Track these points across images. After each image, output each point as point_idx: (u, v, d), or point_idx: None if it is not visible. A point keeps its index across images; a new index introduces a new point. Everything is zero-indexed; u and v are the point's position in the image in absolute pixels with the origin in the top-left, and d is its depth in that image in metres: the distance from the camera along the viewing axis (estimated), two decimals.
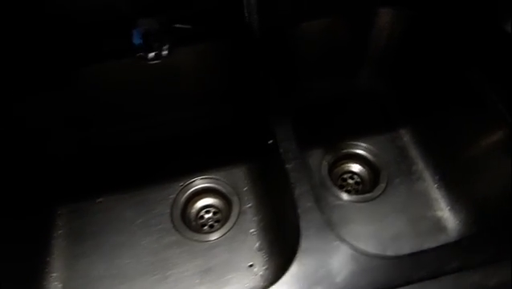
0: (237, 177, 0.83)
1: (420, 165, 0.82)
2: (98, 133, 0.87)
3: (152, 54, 0.56)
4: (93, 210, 0.81)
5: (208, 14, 0.72)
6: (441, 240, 0.74)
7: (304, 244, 0.56)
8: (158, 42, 0.56)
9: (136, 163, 0.86)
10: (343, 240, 0.57)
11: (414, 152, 0.83)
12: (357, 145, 0.85)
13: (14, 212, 0.73)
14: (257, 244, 0.76)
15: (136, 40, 0.54)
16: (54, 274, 0.75)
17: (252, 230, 0.77)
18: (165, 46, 0.57)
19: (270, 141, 0.68)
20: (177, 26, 0.70)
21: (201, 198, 0.83)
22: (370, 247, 0.73)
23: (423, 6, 0.78)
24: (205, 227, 0.81)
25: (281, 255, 0.70)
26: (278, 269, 0.70)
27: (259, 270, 0.73)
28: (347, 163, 0.85)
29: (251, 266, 0.74)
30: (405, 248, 0.74)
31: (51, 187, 0.82)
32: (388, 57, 0.86)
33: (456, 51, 0.73)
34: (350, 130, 0.87)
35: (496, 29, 0.69)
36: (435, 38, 0.76)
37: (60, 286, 0.74)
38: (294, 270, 0.55)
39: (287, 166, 0.63)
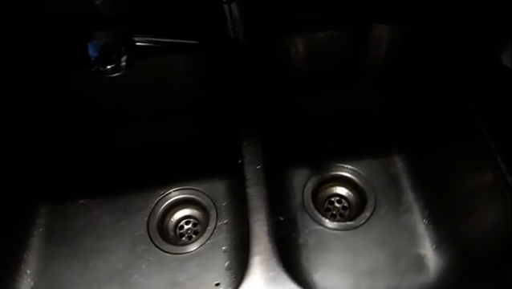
0: (218, 191, 0.81)
1: (411, 197, 0.76)
2: (84, 137, 0.88)
3: (109, 67, 0.55)
4: (74, 212, 0.82)
5: (191, 25, 0.70)
6: (420, 281, 0.69)
7: (250, 278, 0.54)
8: (116, 55, 0.54)
9: (120, 168, 0.86)
10: (294, 277, 0.54)
11: (405, 182, 0.78)
12: (346, 168, 0.81)
13: None
14: (227, 263, 0.74)
15: (92, 53, 0.53)
16: (28, 272, 0.77)
17: (224, 248, 0.75)
18: (123, 58, 0.55)
19: (239, 161, 0.66)
20: (179, 41, 0.69)
21: (180, 209, 0.82)
22: (342, 281, 0.70)
23: (420, 24, 0.73)
24: (184, 238, 0.80)
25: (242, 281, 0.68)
26: None
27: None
28: (334, 186, 0.81)
29: (217, 284, 0.72)
30: (380, 286, 0.69)
31: (36, 185, 0.84)
32: (384, 76, 0.81)
33: (451, 78, 0.68)
34: (340, 151, 0.82)
35: (492, 59, 0.62)
36: (431, 61, 0.71)
37: (32, 283, 0.76)
38: None
39: (248, 191, 0.60)
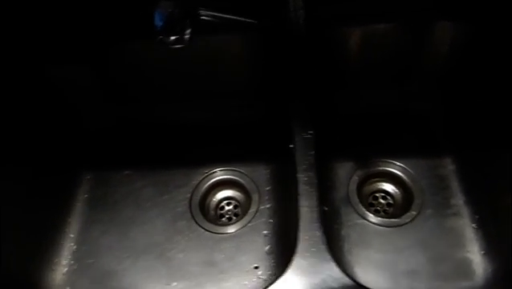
0: (262, 175, 0.81)
1: (461, 200, 0.74)
2: (132, 109, 0.88)
3: (172, 38, 0.54)
4: (118, 181, 0.83)
5: (253, 4, 0.69)
6: (463, 286, 0.67)
7: (296, 262, 0.53)
8: (180, 27, 0.54)
9: (166, 143, 0.87)
10: (341, 266, 0.53)
11: (456, 185, 0.76)
12: (394, 164, 0.79)
13: (46, 170, 0.77)
14: (267, 247, 0.74)
15: (158, 22, 0.53)
16: (72, 236, 0.78)
17: (265, 232, 0.75)
18: (187, 31, 0.55)
19: (291, 146, 0.65)
20: (241, 19, 0.68)
21: (223, 189, 0.82)
22: (381, 277, 0.69)
23: (486, 23, 0.70)
24: (223, 219, 0.80)
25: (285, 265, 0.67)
26: None
27: (263, 273, 0.71)
28: (380, 182, 0.79)
29: (256, 268, 0.72)
30: (420, 287, 0.67)
31: (83, 152, 0.86)
32: (441, 75, 0.78)
33: None
34: (389, 147, 0.80)
35: None
36: (494, 63, 0.68)
37: (74, 247, 0.77)
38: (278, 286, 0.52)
39: (299, 176, 0.59)
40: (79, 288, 0.74)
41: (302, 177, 0.59)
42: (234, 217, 0.79)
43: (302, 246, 0.54)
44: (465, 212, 0.73)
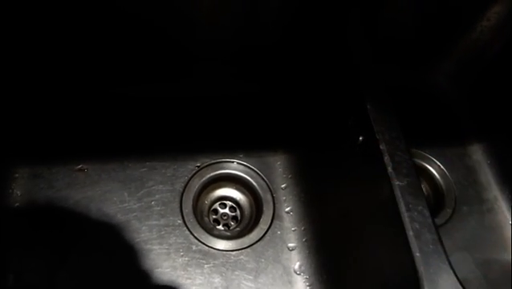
0: (274, 169, 0.63)
1: (493, 193, 0.67)
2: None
3: None
4: (69, 180, 0.57)
5: None
6: None
7: None
8: None
9: (141, 124, 0.62)
10: None
11: (486, 176, 0.69)
12: (421, 156, 0.69)
13: None
14: (296, 264, 0.57)
15: None
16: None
17: (291, 245, 0.58)
18: None
19: (361, 138, 0.49)
20: None
21: (220, 188, 0.62)
22: None
23: None
24: (219, 226, 0.61)
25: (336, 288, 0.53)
26: None
27: None
28: None
29: None
30: None
31: (10, 137, 0.56)
32: (483, 58, 0.69)
33: None
34: (410, 134, 0.70)
35: None
36: None
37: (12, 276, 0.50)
38: None
39: (398, 183, 0.44)
40: None
41: (402, 185, 0.44)
42: (237, 224, 0.61)
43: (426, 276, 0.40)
44: (501, 206, 0.66)
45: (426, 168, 0.68)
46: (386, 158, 0.46)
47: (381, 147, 0.46)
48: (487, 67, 0.69)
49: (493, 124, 0.70)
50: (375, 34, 0.62)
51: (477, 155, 0.71)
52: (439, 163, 0.69)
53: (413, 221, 0.42)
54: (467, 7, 0.64)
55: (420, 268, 0.40)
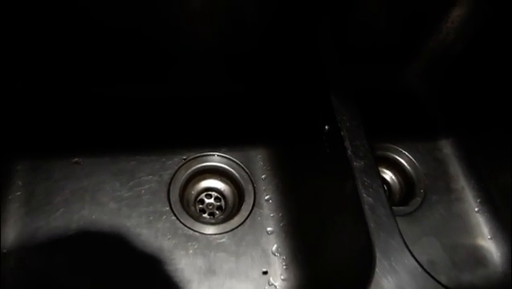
0: (255, 162, 0.68)
1: (461, 184, 0.72)
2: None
3: None
4: (66, 172, 0.63)
5: None
6: (480, 274, 0.65)
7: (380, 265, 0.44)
8: None
9: (131, 121, 0.68)
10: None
11: (454, 168, 0.74)
12: (393, 149, 0.74)
13: None
14: (274, 246, 0.62)
15: None
16: (5, 251, 0.56)
17: (269, 229, 0.63)
18: None
19: (327, 127, 0.55)
20: None
21: (207, 179, 0.68)
22: None
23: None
24: (205, 215, 0.66)
25: (311, 266, 0.57)
26: (303, 282, 0.58)
27: (275, 279, 0.60)
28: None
29: (265, 273, 0.60)
30: (441, 279, 0.63)
31: (11, 132, 0.62)
32: (449, 57, 0.74)
33: None
34: (384, 130, 0.75)
35: None
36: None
37: (12, 266, 0.55)
38: None
39: (356, 164, 0.49)
40: None
41: (359, 165, 0.49)
42: (217, 212, 0.66)
43: (380, 250, 0.45)
44: (467, 196, 0.71)
45: (398, 160, 0.73)
46: (346, 142, 0.51)
47: (342, 133, 0.52)
48: (453, 65, 0.74)
49: (461, 119, 0.76)
50: (345, 36, 0.69)
51: (447, 148, 0.76)
52: (411, 156, 0.74)
53: (368, 196, 0.48)
54: (432, 11, 0.70)
55: (373, 237, 0.46)
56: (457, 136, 0.75)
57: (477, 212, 0.70)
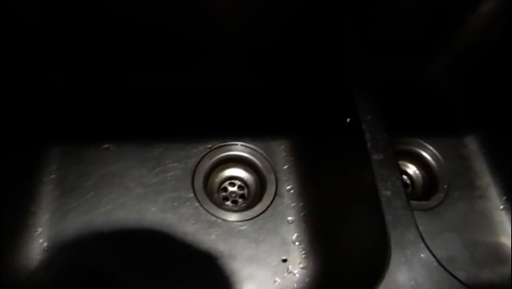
0: (277, 153, 0.70)
1: (486, 181, 0.72)
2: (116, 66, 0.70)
3: None
4: (96, 157, 0.66)
5: None
6: (500, 272, 0.65)
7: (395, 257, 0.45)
8: None
9: (159, 110, 0.70)
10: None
11: (479, 165, 0.73)
12: (418, 144, 0.73)
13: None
14: (294, 235, 0.63)
15: None
16: (40, 230, 0.60)
17: (289, 218, 0.65)
18: None
19: (348, 120, 0.55)
20: None
21: (229, 168, 0.70)
22: None
23: None
24: (228, 202, 0.68)
25: (328, 256, 0.58)
26: (321, 271, 0.59)
27: (294, 267, 0.61)
28: (401, 161, 0.73)
29: (285, 261, 0.62)
30: (459, 274, 0.63)
31: (48, 119, 0.66)
32: (475, 52, 0.73)
33: None
34: (408, 124, 0.75)
35: None
36: None
37: (45, 244, 0.59)
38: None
39: (375, 157, 0.50)
40: None
41: (379, 159, 0.50)
42: (240, 200, 0.68)
43: (395, 242, 0.45)
44: (492, 193, 0.70)
45: (422, 155, 0.73)
46: (366, 136, 0.52)
47: (363, 126, 0.52)
48: (479, 61, 0.73)
49: (487, 115, 0.74)
50: (370, 31, 0.69)
51: (473, 144, 0.75)
52: (435, 151, 0.73)
53: (386, 189, 0.48)
54: (459, 6, 0.69)
55: (389, 230, 0.46)
56: (483, 132, 0.74)
57: (502, 210, 0.69)
